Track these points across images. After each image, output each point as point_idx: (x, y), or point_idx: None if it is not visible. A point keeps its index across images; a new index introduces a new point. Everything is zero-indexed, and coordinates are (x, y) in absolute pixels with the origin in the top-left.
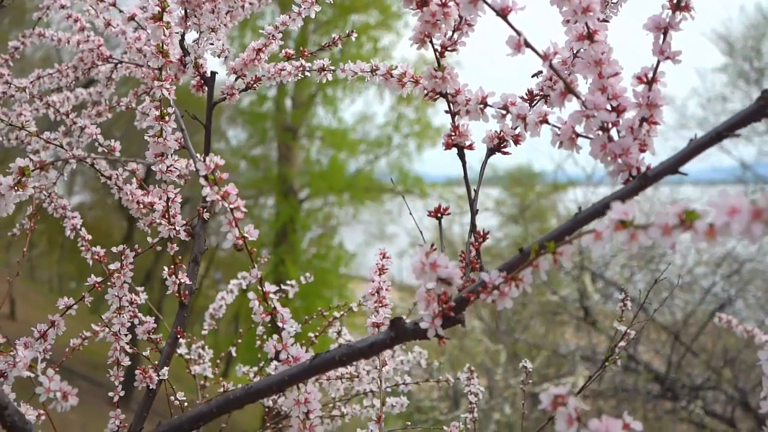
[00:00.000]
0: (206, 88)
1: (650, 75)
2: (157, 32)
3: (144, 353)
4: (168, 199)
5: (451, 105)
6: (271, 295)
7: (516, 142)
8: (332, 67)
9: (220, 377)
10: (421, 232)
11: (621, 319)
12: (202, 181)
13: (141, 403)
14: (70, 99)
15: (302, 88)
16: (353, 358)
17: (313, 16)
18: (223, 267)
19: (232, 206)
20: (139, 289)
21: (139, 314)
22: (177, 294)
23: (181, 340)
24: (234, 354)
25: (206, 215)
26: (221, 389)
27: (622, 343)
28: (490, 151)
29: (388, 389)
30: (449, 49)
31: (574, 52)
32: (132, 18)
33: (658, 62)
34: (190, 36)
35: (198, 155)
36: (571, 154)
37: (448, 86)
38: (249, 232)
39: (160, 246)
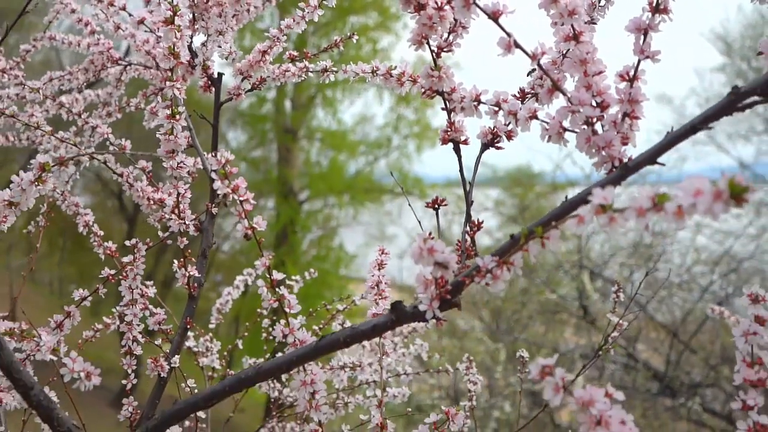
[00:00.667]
0: (213, 89)
1: (631, 73)
2: (169, 35)
3: (156, 343)
4: (178, 194)
5: (447, 102)
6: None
7: (509, 138)
8: (334, 69)
9: (227, 369)
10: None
11: (614, 311)
12: (213, 175)
13: (153, 390)
14: (79, 100)
15: (302, 89)
16: (357, 339)
17: (316, 19)
18: (224, 269)
19: (241, 199)
20: (148, 282)
21: (150, 306)
22: (186, 286)
23: (189, 333)
24: (240, 347)
25: (214, 210)
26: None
27: (615, 334)
28: (484, 146)
29: (389, 379)
30: (445, 50)
31: (563, 52)
32: (141, 21)
33: (639, 61)
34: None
35: (205, 153)
36: (570, 155)
37: (444, 85)
38: (257, 222)
39: (169, 240)
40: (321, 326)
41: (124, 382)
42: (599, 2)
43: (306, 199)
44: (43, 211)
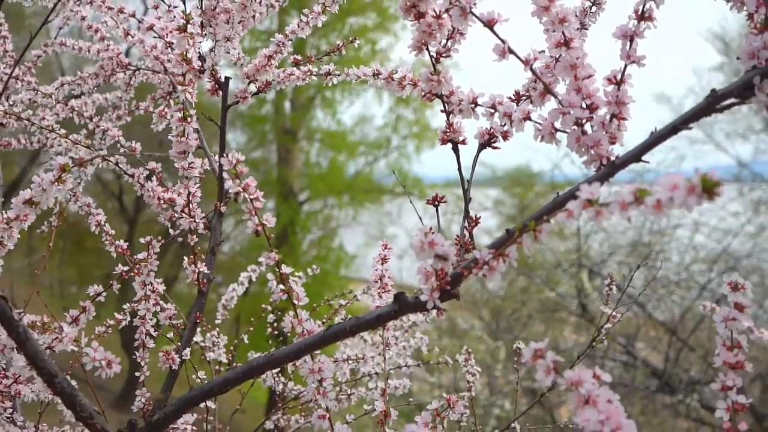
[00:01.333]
0: (221, 92)
1: (618, 77)
2: (182, 42)
3: (168, 336)
4: (189, 193)
5: (445, 105)
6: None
7: (504, 138)
8: (337, 72)
9: (232, 363)
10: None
11: (607, 303)
12: (225, 174)
13: (165, 382)
14: (87, 104)
15: (301, 90)
16: (362, 328)
17: (319, 25)
18: (224, 270)
19: (252, 197)
20: (159, 280)
21: (161, 302)
22: (196, 282)
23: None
24: (246, 341)
25: (223, 209)
26: None
27: (608, 326)
28: (482, 146)
29: (391, 371)
30: (444, 55)
31: (555, 57)
32: (150, 28)
33: (626, 66)
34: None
35: (213, 155)
36: (568, 154)
37: (443, 88)
38: (267, 219)
39: (180, 237)
40: (323, 321)
41: (137, 374)
42: (590, 8)
43: (306, 199)
44: (55, 211)
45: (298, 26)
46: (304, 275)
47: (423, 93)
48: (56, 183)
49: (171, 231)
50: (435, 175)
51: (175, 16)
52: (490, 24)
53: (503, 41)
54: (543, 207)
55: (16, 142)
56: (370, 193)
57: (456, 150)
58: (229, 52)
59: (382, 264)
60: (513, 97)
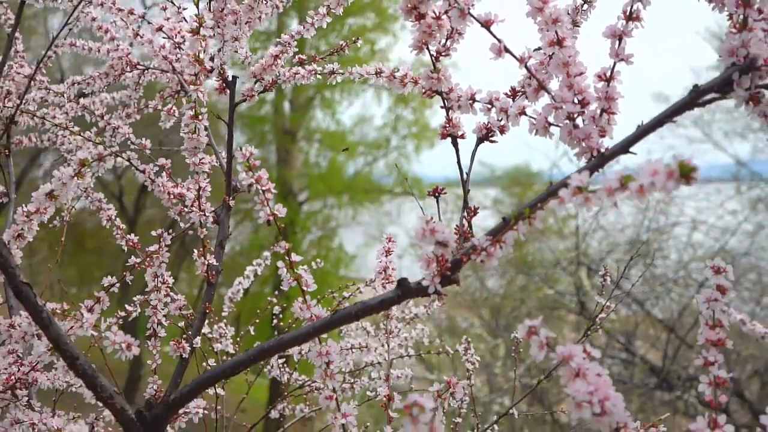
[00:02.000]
0: (228, 91)
1: (608, 74)
2: (195, 43)
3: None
4: (199, 188)
5: (445, 101)
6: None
7: (501, 132)
8: (341, 71)
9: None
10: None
11: (601, 293)
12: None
13: (176, 370)
14: (99, 102)
15: (300, 91)
16: (366, 312)
17: (324, 26)
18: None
19: (264, 188)
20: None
21: (171, 293)
22: (205, 274)
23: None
24: (252, 333)
25: (231, 203)
26: None
27: (602, 315)
28: (480, 140)
29: (393, 360)
30: (443, 54)
31: (549, 55)
32: (160, 29)
33: (615, 64)
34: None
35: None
36: (567, 153)
37: (443, 85)
38: (278, 210)
39: (190, 231)
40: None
41: (149, 362)
42: (582, 6)
43: (305, 199)
44: (67, 206)
45: (304, 27)
46: (307, 269)
47: (424, 90)
48: (75, 177)
49: (181, 224)
50: (434, 175)
51: (184, 18)
52: (487, 24)
53: (499, 40)
54: (537, 196)
55: (27, 140)
56: (369, 193)
57: (455, 144)
58: (237, 52)
59: (386, 256)
60: (509, 94)
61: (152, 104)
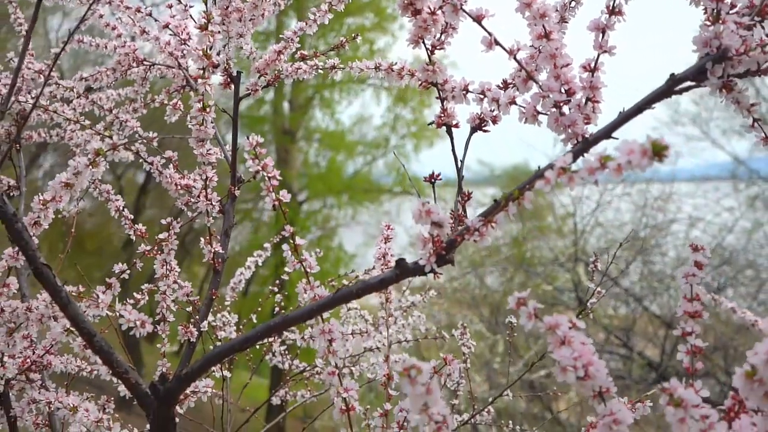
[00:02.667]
0: (233, 86)
1: (593, 65)
2: (203, 39)
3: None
4: (206, 178)
5: (440, 92)
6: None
7: (494, 122)
8: (341, 66)
9: None
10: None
11: (591, 280)
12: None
13: (184, 353)
14: (109, 97)
15: (299, 91)
16: (367, 291)
17: (326, 22)
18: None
19: (269, 175)
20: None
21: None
22: (212, 261)
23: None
24: (255, 321)
25: (237, 192)
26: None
27: (593, 300)
28: (473, 130)
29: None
30: (438, 47)
31: (537, 48)
32: (166, 26)
33: (598, 55)
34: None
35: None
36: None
37: (438, 77)
38: (283, 195)
39: (198, 220)
40: None
41: (159, 346)
42: (570, 3)
43: (305, 199)
44: (77, 197)
45: (307, 24)
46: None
47: (420, 82)
48: (90, 166)
49: (189, 214)
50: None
51: (190, 15)
52: (478, 19)
53: (490, 34)
54: (527, 179)
55: (37, 135)
56: (368, 192)
57: (450, 132)
58: (242, 48)
59: (385, 243)
60: (501, 85)
61: (159, 99)
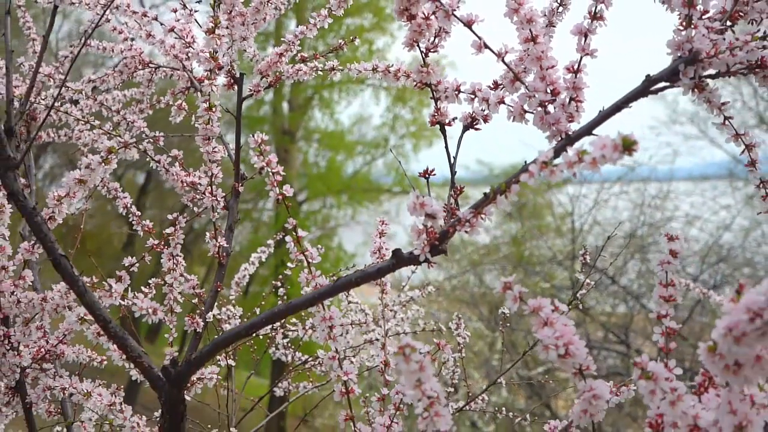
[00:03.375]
0: (236, 87)
1: (576, 67)
2: (211, 42)
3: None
4: (212, 175)
5: (434, 92)
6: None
7: (485, 120)
8: (340, 68)
9: None
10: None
11: (581, 271)
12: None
13: (191, 343)
14: (109, 100)
15: (299, 91)
16: (365, 279)
17: (326, 26)
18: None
19: (273, 171)
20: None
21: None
22: (217, 255)
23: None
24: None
25: (240, 188)
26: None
27: (583, 291)
28: (465, 128)
29: (390, 337)
30: (432, 50)
31: (525, 50)
32: (172, 29)
33: (581, 58)
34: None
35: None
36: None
37: (432, 78)
38: (286, 189)
39: (203, 215)
40: None
41: (166, 335)
42: (557, 8)
43: (305, 199)
44: (86, 194)
45: (307, 28)
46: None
47: (415, 83)
48: (103, 163)
49: (195, 209)
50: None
51: (195, 19)
52: (468, 24)
53: (479, 38)
54: (514, 174)
55: (46, 135)
56: (368, 192)
57: (443, 130)
58: (246, 51)
59: (380, 237)
60: (492, 86)
61: (165, 100)
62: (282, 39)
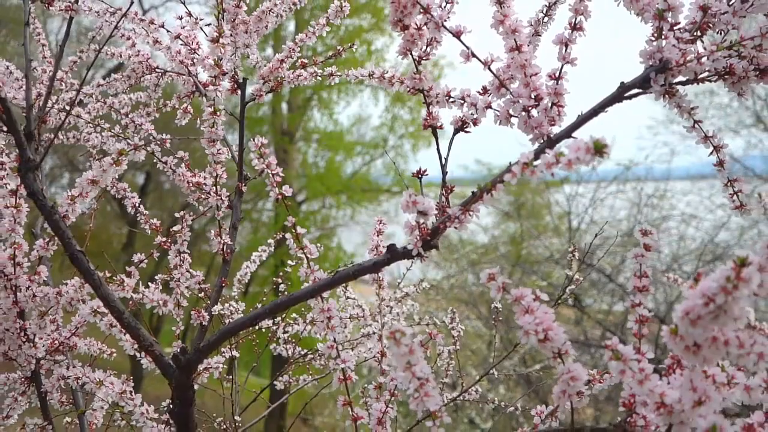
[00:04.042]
0: (239, 91)
1: (557, 74)
2: (215, 50)
3: (199, 296)
4: (216, 175)
5: (426, 98)
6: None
7: (475, 124)
8: (339, 73)
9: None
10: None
11: (570, 268)
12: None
13: (196, 335)
14: (116, 103)
15: (298, 92)
16: (362, 273)
17: (324, 35)
18: None
19: (273, 172)
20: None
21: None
22: (221, 252)
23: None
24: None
25: (244, 188)
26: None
27: (572, 287)
28: (456, 131)
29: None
30: (424, 58)
31: (511, 58)
32: (177, 36)
33: (562, 66)
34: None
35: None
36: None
37: (424, 84)
38: (285, 189)
39: (209, 214)
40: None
41: (173, 328)
42: (543, 19)
43: (304, 200)
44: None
45: (306, 35)
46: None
47: (408, 89)
48: (114, 165)
49: (200, 208)
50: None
51: (201, 27)
52: (457, 35)
53: (467, 47)
54: (500, 172)
55: (55, 137)
56: (367, 192)
57: (435, 133)
58: (248, 57)
59: (378, 236)
60: (481, 92)
61: (171, 103)
62: (283, 45)
